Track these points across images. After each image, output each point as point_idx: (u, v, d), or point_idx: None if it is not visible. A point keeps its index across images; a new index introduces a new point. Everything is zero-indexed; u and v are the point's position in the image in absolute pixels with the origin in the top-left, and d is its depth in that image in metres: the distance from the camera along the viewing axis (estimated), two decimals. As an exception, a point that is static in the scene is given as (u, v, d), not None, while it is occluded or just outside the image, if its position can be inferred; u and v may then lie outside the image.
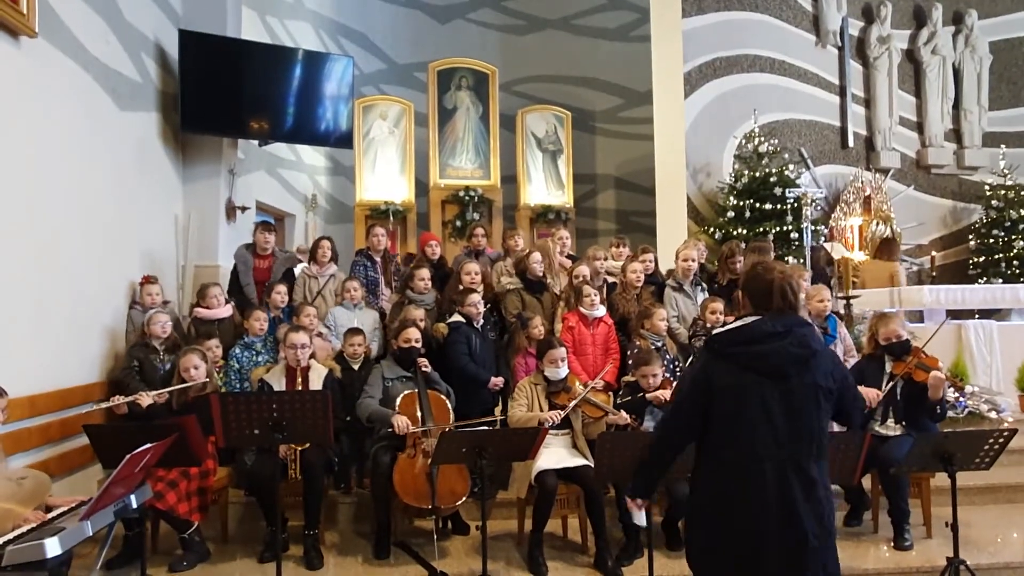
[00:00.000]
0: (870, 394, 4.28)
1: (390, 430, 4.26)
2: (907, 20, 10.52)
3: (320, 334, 5.28)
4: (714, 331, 2.36)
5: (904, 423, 4.36)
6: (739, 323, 2.29)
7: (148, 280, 5.75)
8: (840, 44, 10.16)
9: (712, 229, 9.08)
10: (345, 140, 8.17)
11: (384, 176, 9.71)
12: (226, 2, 7.11)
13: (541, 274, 5.59)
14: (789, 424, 2.18)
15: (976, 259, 10.01)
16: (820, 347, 2.28)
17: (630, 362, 4.94)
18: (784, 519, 2.15)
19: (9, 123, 4.33)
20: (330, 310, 5.60)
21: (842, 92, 10.19)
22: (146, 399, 4.26)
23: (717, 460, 2.23)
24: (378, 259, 6.30)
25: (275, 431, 3.55)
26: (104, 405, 4.46)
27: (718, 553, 2.25)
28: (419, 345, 4.63)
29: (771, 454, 2.17)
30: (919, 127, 10.51)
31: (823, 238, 9.38)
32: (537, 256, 5.57)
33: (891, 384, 4.34)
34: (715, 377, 2.24)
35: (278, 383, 4.46)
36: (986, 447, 3.49)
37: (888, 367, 4.44)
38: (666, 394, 4.29)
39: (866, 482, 4.56)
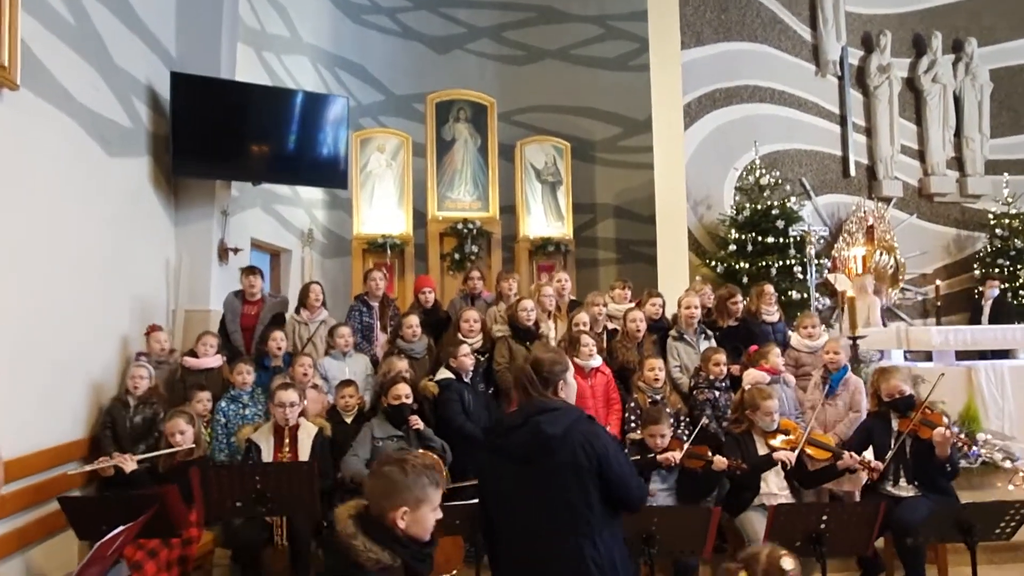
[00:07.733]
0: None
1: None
2: (907, 49, 10.45)
3: (316, 386, 5.14)
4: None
5: (916, 482, 4.19)
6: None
7: (155, 328, 5.61)
8: (840, 73, 10.08)
9: (714, 262, 8.94)
10: (341, 179, 8.03)
11: (382, 209, 9.58)
12: (221, 42, 7.02)
13: (531, 323, 5.40)
14: (549, 503, 2.32)
15: (981, 288, 9.83)
16: (558, 431, 2.35)
17: (631, 416, 4.79)
18: None
19: (-8, 177, 4.23)
20: (319, 361, 5.44)
21: (843, 121, 10.09)
22: (130, 464, 4.12)
23: (499, 547, 2.43)
24: (375, 304, 6.15)
25: (259, 504, 3.42)
26: (88, 468, 4.33)
27: None
28: (410, 401, 4.48)
29: (538, 533, 2.33)
30: (921, 155, 10.39)
31: (826, 270, 9.23)
32: (526, 304, 5.39)
33: (899, 442, 4.17)
34: (488, 469, 2.49)
35: (266, 443, 4.30)
36: (1007, 517, 3.32)
37: (895, 424, 4.27)
38: (676, 455, 4.12)
39: (879, 543, 4.35)
